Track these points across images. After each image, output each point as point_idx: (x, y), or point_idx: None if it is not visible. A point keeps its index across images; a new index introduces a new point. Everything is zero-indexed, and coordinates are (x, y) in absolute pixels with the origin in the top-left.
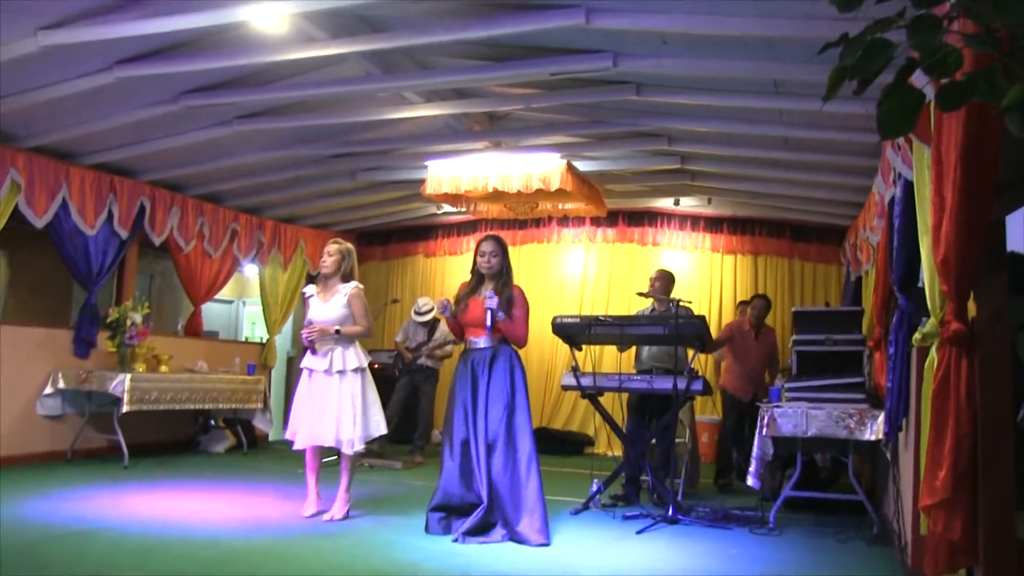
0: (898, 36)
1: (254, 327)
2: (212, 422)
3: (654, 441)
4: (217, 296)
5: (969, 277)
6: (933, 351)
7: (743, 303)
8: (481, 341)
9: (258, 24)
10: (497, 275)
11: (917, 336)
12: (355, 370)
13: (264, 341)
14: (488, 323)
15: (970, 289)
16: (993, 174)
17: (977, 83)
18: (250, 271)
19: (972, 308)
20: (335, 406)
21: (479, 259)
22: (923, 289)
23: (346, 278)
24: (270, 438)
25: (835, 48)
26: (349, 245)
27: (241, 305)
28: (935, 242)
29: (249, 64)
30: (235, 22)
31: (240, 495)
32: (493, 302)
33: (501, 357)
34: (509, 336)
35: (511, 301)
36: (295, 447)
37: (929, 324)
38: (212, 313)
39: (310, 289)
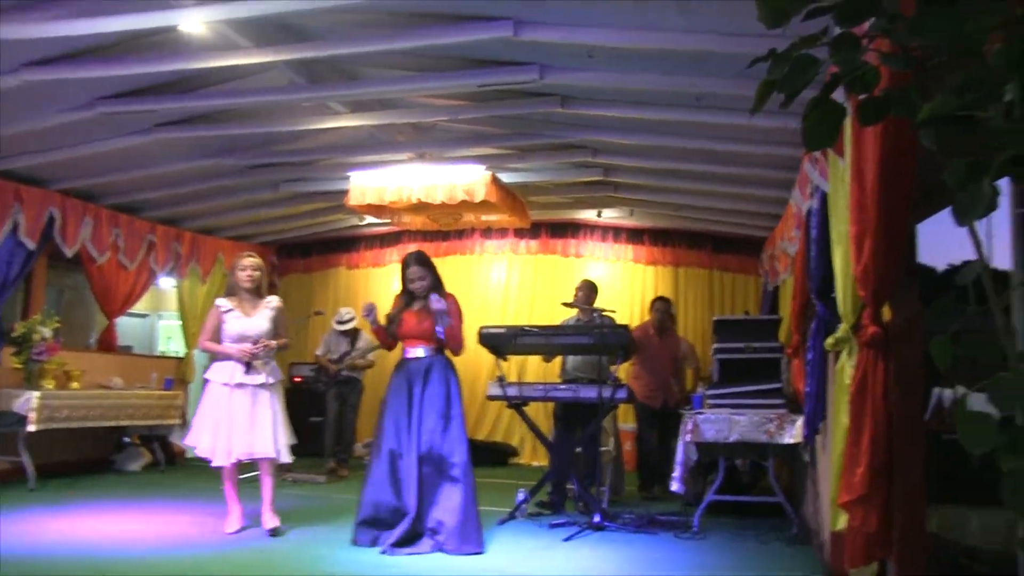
0: (821, 53)
1: (170, 341)
2: (127, 440)
3: (580, 450)
4: (132, 310)
5: (886, 284)
6: (844, 356)
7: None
8: (417, 351)
9: (181, 30)
10: (429, 285)
11: (829, 341)
12: (278, 382)
13: (182, 356)
14: (439, 328)
15: (887, 296)
16: (909, 187)
17: (894, 99)
18: (166, 284)
19: (887, 313)
20: (269, 418)
21: (409, 285)
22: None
23: (261, 293)
24: (188, 455)
25: (763, 63)
26: (259, 259)
27: (157, 319)
28: (855, 251)
29: (170, 71)
30: (156, 27)
31: (159, 514)
32: (442, 304)
33: (437, 367)
34: (451, 341)
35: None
36: (218, 463)
37: (841, 330)
38: (126, 327)
39: (227, 303)
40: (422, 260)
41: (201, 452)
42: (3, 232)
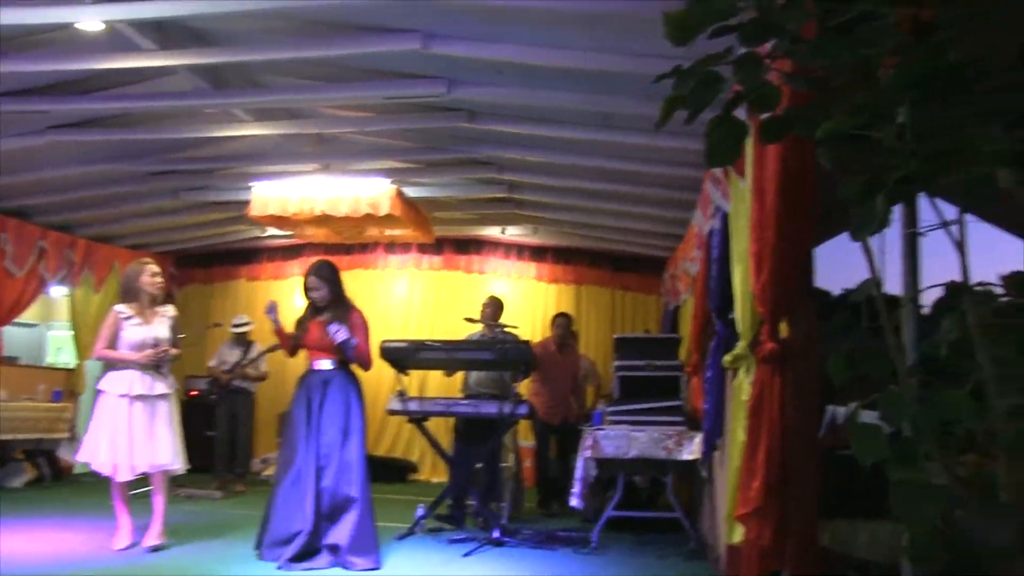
0: (725, 72)
1: (60, 352)
2: (11, 454)
3: (479, 465)
4: (19, 319)
5: (784, 302)
6: (742, 373)
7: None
8: (321, 364)
9: (79, 27)
10: (332, 304)
11: (727, 358)
12: (174, 393)
13: (72, 367)
14: (349, 355)
15: (784, 313)
16: (808, 206)
17: (795, 118)
18: (57, 292)
19: (784, 331)
20: (166, 428)
21: (307, 295)
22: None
23: (158, 300)
24: (77, 470)
25: (668, 80)
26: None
27: (46, 329)
28: (755, 269)
29: (66, 70)
30: (53, 23)
31: (44, 531)
32: (341, 334)
33: (339, 380)
34: (359, 361)
35: (350, 328)
36: (122, 479)
37: (739, 347)
38: (12, 337)
39: (126, 309)
40: (320, 271)
41: (98, 467)
42: None
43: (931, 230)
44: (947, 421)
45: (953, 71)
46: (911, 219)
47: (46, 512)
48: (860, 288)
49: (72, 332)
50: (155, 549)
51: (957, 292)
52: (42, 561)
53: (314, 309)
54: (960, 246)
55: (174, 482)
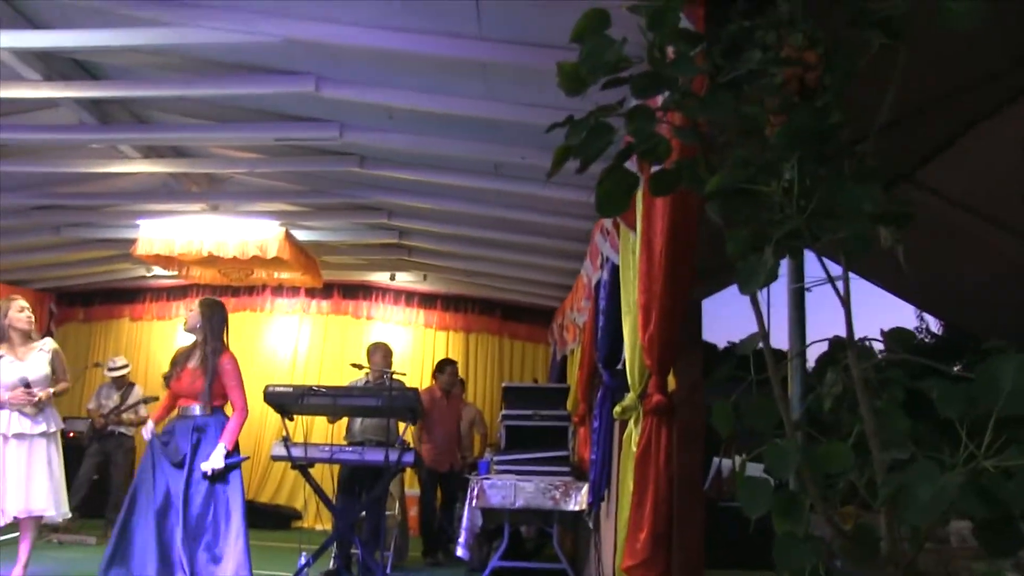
0: (617, 124)
1: None
2: None
3: (364, 513)
4: None
5: (670, 353)
6: (631, 424)
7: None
8: (192, 409)
9: None
10: (199, 336)
11: (617, 409)
12: (55, 433)
13: None
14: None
15: (671, 364)
16: (693, 259)
17: (684, 171)
18: None
19: (671, 383)
20: (48, 470)
21: (185, 320)
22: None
23: (32, 336)
24: None
25: (560, 130)
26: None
27: None
28: (643, 321)
29: None
30: None
31: None
32: (211, 466)
33: (213, 426)
34: (239, 428)
35: (217, 374)
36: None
37: (628, 398)
38: None
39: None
40: (204, 302)
41: None
42: None
43: (816, 285)
44: (830, 474)
45: (834, 131)
46: (798, 274)
47: None
48: (747, 341)
49: None
50: None
51: (841, 346)
52: None
53: (187, 353)
54: (845, 301)
55: (47, 527)
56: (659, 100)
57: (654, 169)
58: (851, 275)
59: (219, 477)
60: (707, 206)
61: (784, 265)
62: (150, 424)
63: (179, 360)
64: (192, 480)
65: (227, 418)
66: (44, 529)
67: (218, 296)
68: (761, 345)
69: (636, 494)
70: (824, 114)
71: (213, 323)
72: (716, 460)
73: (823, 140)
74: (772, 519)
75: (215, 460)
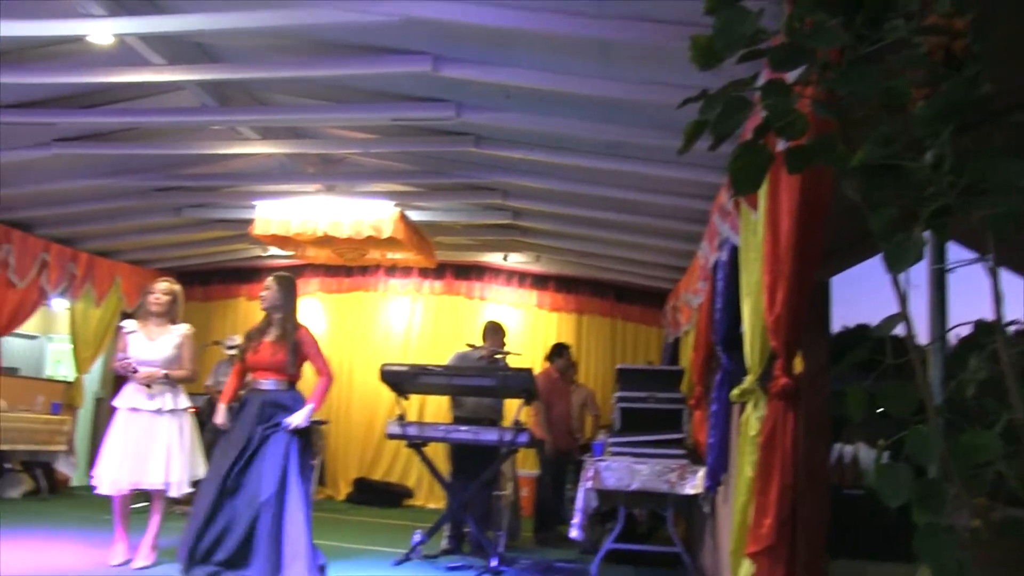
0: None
1: (59, 365)
2: (8, 465)
3: (477, 493)
4: (19, 330)
5: (797, 335)
6: (749, 408)
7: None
8: (267, 384)
9: (90, 40)
10: (275, 311)
11: (735, 392)
12: (183, 410)
13: (71, 380)
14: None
15: (798, 346)
16: (821, 238)
17: (820, 148)
18: (57, 305)
19: (798, 365)
20: (164, 446)
21: (260, 296)
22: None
23: (173, 320)
24: (74, 483)
25: (675, 108)
26: (179, 287)
27: (46, 341)
28: (768, 302)
29: (73, 83)
30: (63, 36)
31: (40, 543)
32: (302, 421)
33: (289, 401)
34: (326, 392)
35: (299, 345)
36: (104, 492)
37: (747, 381)
38: (13, 348)
39: (131, 324)
40: (277, 277)
41: (95, 480)
42: None
43: (962, 266)
44: (976, 464)
45: (985, 102)
46: (939, 254)
47: (42, 524)
48: (884, 324)
49: (72, 345)
50: (143, 568)
51: (986, 331)
52: (34, 573)
53: (263, 324)
54: (993, 282)
55: (176, 499)
56: (794, 74)
57: (790, 145)
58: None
59: (289, 450)
60: (843, 183)
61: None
62: (222, 409)
63: (254, 335)
64: (264, 454)
65: (301, 394)
66: (173, 502)
67: (332, 276)
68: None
69: (760, 479)
70: (973, 84)
71: (290, 298)
72: (837, 447)
73: (972, 112)
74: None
75: (299, 418)
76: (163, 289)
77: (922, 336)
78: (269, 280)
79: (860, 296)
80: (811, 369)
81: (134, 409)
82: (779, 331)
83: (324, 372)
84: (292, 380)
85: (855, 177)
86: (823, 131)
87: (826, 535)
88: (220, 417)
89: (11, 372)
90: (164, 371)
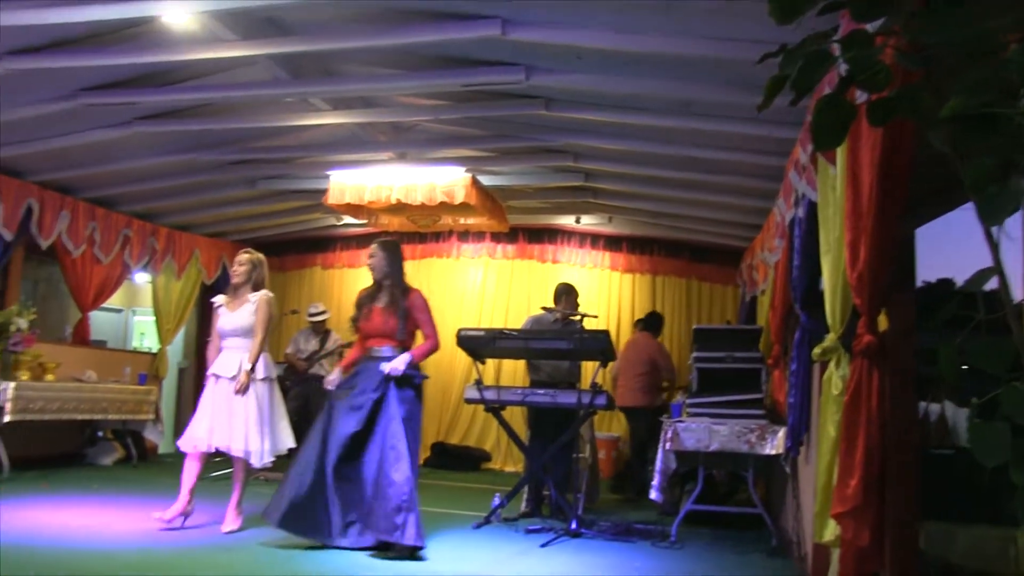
0: None
1: (143, 337)
2: (100, 433)
3: (555, 455)
4: (105, 304)
5: (882, 292)
6: (832, 366)
7: (640, 321)
8: (383, 350)
9: (166, 21)
10: (384, 277)
11: (817, 351)
12: (263, 380)
13: (155, 351)
14: (403, 368)
15: (883, 303)
16: (905, 192)
17: (903, 99)
18: (140, 279)
19: (882, 322)
20: (244, 415)
21: (368, 263)
22: (824, 307)
23: (257, 288)
24: (161, 450)
25: (742, 64)
26: (260, 256)
27: (131, 314)
28: (850, 258)
29: (152, 63)
30: (141, 18)
31: (132, 508)
32: (398, 369)
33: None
34: (423, 359)
35: (409, 310)
36: (182, 448)
37: (828, 339)
38: (100, 322)
39: (219, 299)
40: (383, 243)
41: (181, 440)
42: None
43: None
44: None
45: None
46: None
47: (135, 490)
48: (976, 278)
49: (155, 317)
50: (230, 532)
51: None
52: (132, 537)
53: (372, 291)
54: None
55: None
56: (875, 25)
57: (873, 97)
58: None
59: (398, 416)
60: (931, 134)
61: None
62: (336, 373)
63: (364, 301)
64: (379, 420)
65: (411, 357)
66: (252, 469)
67: (406, 243)
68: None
69: (845, 439)
70: None
71: (397, 262)
72: (923, 405)
73: None
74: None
75: (398, 363)
76: (240, 260)
77: (1016, 291)
78: (374, 247)
79: (939, 249)
80: (896, 326)
81: (218, 376)
82: (862, 288)
83: (431, 337)
84: (405, 346)
85: (945, 127)
86: (906, 82)
87: (918, 495)
88: (331, 379)
89: (99, 345)
90: (247, 367)
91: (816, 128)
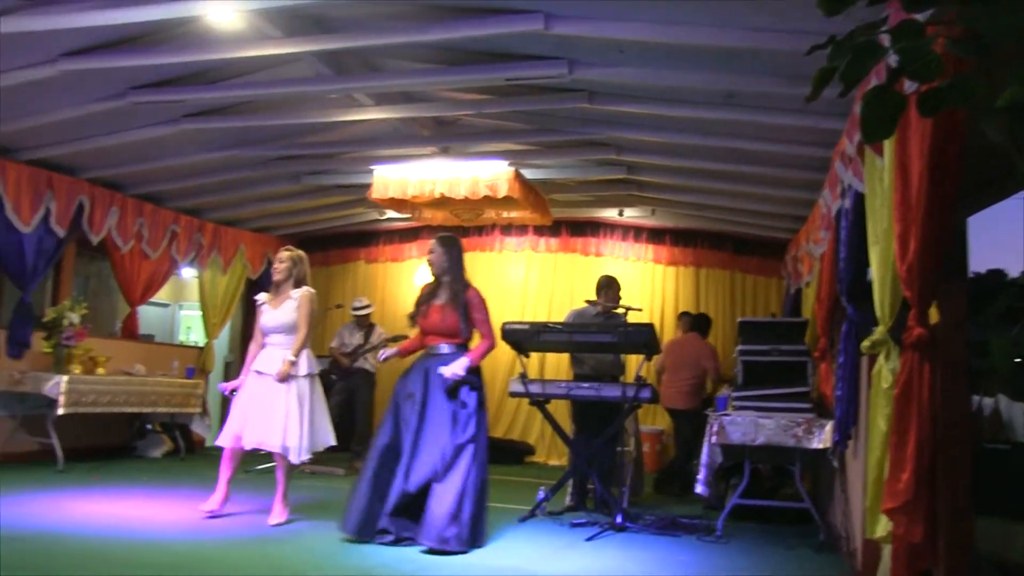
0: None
1: (189, 331)
2: (149, 426)
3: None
4: (153, 299)
5: (932, 284)
6: (881, 359)
7: (686, 314)
8: (440, 348)
9: (212, 19)
10: (444, 274)
11: (865, 344)
12: (306, 376)
13: (202, 345)
14: (463, 374)
15: (933, 295)
16: (956, 182)
17: (954, 89)
18: (187, 274)
19: (933, 315)
20: (283, 411)
21: (428, 259)
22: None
23: (298, 284)
24: (208, 443)
25: (783, 55)
26: (301, 252)
27: (177, 308)
28: (899, 250)
29: (199, 61)
30: (188, 17)
31: (180, 500)
32: (457, 374)
33: (446, 363)
34: (485, 354)
35: (467, 306)
36: (220, 443)
37: (878, 332)
38: (147, 316)
39: (262, 297)
40: (444, 238)
41: (220, 436)
42: (36, 219)
43: None
44: None
45: None
46: None
47: (183, 482)
48: None
49: (201, 312)
50: (277, 525)
51: None
52: (181, 529)
53: (432, 288)
54: None
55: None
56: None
57: (923, 88)
58: None
59: (463, 413)
60: (984, 123)
61: None
62: (392, 351)
63: (424, 298)
64: (438, 419)
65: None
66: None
67: None
68: None
69: (896, 433)
70: None
71: (457, 258)
72: (975, 399)
73: None
74: None
75: (456, 367)
76: (281, 257)
77: None
78: (433, 243)
79: (990, 239)
80: (948, 318)
81: (260, 372)
82: (912, 280)
83: (487, 336)
84: (465, 343)
85: (1000, 117)
86: (957, 71)
87: (971, 490)
88: (387, 353)
89: (147, 339)
90: (291, 359)
91: (865, 120)
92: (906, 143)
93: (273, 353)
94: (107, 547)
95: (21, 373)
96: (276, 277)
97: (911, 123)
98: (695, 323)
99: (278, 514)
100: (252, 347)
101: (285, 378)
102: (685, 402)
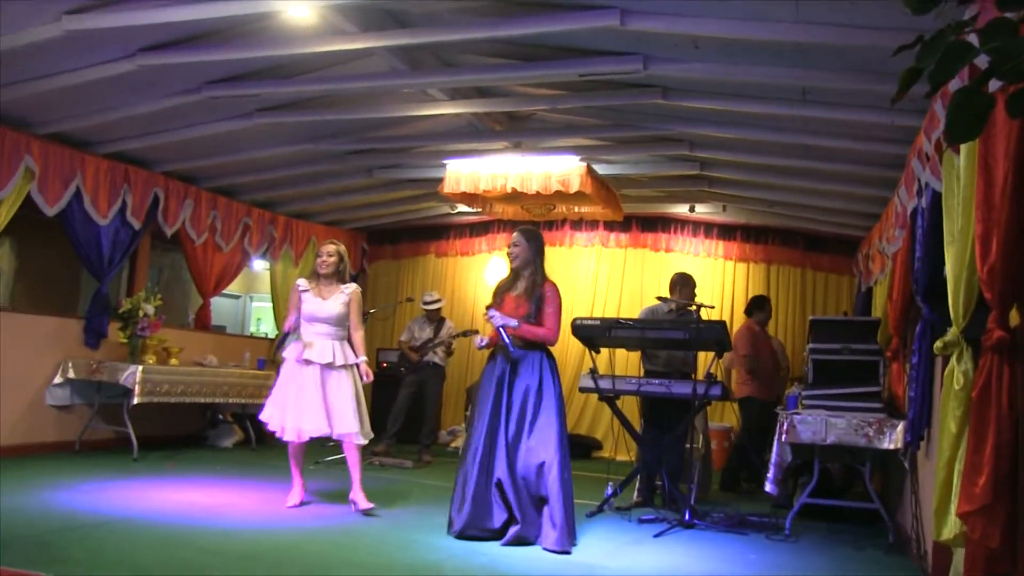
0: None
1: (259, 323)
2: (220, 417)
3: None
4: (225, 291)
5: (1014, 286)
6: (954, 360)
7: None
8: (507, 337)
9: (288, 15)
10: (525, 267)
11: (938, 345)
12: (355, 366)
13: (272, 337)
14: (504, 339)
15: (1014, 298)
16: None
17: None
18: (258, 266)
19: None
20: (344, 397)
21: (508, 252)
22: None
23: (342, 279)
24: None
25: (908, 51)
26: (344, 247)
27: (248, 300)
28: (981, 251)
29: (274, 56)
30: (264, 12)
31: (253, 490)
32: (496, 319)
33: (531, 357)
34: (531, 338)
35: (541, 299)
36: (287, 439)
37: (950, 333)
38: (219, 307)
39: (304, 283)
40: (525, 231)
41: (272, 427)
42: (112, 211)
43: None
44: None
45: None
46: None
47: (255, 472)
48: None
49: (272, 304)
50: (367, 513)
51: None
52: (254, 518)
53: (510, 280)
54: None
55: (367, 449)
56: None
57: (995, 85)
58: None
59: (537, 407)
60: None
61: None
62: (484, 340)
63: (502, 289)
64: (512, 407)
65: (546, 348)
66: (366, 453)
67: None
68: None
69: (973, 436)
70: None
71: (538, 252)
72: None
73: None
74: None
75: (500, 318)
76: (329, 251)
77: None
78: (516, 236)
79: None
80: None
81: (310, 362)
82: (994, 282)
83: (551, 329)
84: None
85: None
86: None
87: None
88: (479, 342)
89: (219, 330)
90: (363, 358)
91: (951, 121)
92: (990, 143)
93: (323, 343)
94: (187, 534)
95: (97, 363)
96: (324, 271)
97: (996, 123)
98: (747, 306)
99: (363, 501)
100: (287, 326)
101: (371, 376)
102: (739, 391)
